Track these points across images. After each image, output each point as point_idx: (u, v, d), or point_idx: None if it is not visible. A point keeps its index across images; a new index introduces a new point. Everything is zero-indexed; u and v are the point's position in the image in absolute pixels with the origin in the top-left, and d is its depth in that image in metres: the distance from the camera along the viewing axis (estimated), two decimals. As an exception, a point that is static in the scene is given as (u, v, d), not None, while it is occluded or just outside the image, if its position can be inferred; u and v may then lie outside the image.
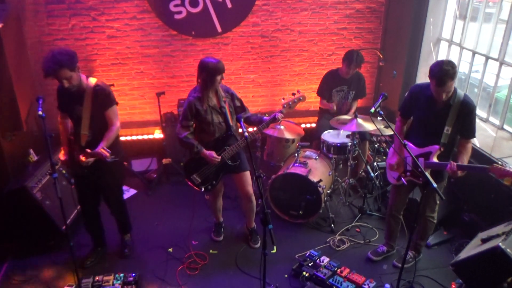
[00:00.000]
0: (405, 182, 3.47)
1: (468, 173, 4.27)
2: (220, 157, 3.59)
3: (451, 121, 3.22)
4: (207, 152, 3.57)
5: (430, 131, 3.32)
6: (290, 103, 3.54)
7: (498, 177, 2.98)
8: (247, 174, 3.84)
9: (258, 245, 4.09)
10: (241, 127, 3.18)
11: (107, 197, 3.78)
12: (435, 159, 3.27)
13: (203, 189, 3.75)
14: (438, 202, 3.58)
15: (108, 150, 3.26)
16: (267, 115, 3.68)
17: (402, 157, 3.44)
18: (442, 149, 3.27)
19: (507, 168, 2.92)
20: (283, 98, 3.57)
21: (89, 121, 3.36)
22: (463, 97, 3.21)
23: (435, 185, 2.79)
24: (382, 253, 3.96)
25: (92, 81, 3.38)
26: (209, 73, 3.41)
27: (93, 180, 3.58)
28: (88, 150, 3.33)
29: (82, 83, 3.32)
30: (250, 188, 3.88)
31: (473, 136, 3.30)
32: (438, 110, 3.25)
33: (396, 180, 3.58)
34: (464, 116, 3.20)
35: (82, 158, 3.33)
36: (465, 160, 3.23)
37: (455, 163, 3.12)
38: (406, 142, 3.35)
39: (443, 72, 3.03)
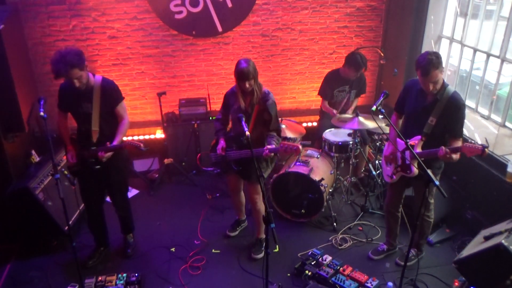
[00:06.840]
0: (394, 178, 3.55)
1: (470, 171, 4.26)
2: (223, 152, 3.60)
3: (436, 113, 3.24)
4: (220, 140, 3.65)
5: (416, 123, 3.35)
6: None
7: (468, 155, 3.05)
8: (252, 185, 3.78)
9: (259, 256, 3.90)
10: (242, 126, 3.14)
11: (113, 194, 3.80)
12: (419, 149, 3.29)
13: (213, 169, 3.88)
14: (432, 200, 3.58)
15: (138, 141, 3.36)
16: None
17: (397, 148, 3.46)
18: (424, 139, 3.28)
19: (474, 144, 3.01)
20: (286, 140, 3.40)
21: (99, 117, 3.39)
22: (452, 93, 3.23)
23: (437, 183, 2.78)
24: (382, 251, 3.96)
25: (98, 77, 3.41)
26: (235, 76, 3.46)
27: (100, 177, 3.59)
28: (108, 144, 3.36)
29: (89, 81, 3.34)
30: (254, 196, 3.82)
31: (460, 136, 3.28)
32: (426, 104, 3.28)
33: (390, 177, 3.61)
34: (451, 112, 3.21)
35: (102, 155, 3.34)
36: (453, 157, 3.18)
37: (446, 148, 3.12)
38: (408, 140, 3.35)
39: (427, 61, 3.07)
